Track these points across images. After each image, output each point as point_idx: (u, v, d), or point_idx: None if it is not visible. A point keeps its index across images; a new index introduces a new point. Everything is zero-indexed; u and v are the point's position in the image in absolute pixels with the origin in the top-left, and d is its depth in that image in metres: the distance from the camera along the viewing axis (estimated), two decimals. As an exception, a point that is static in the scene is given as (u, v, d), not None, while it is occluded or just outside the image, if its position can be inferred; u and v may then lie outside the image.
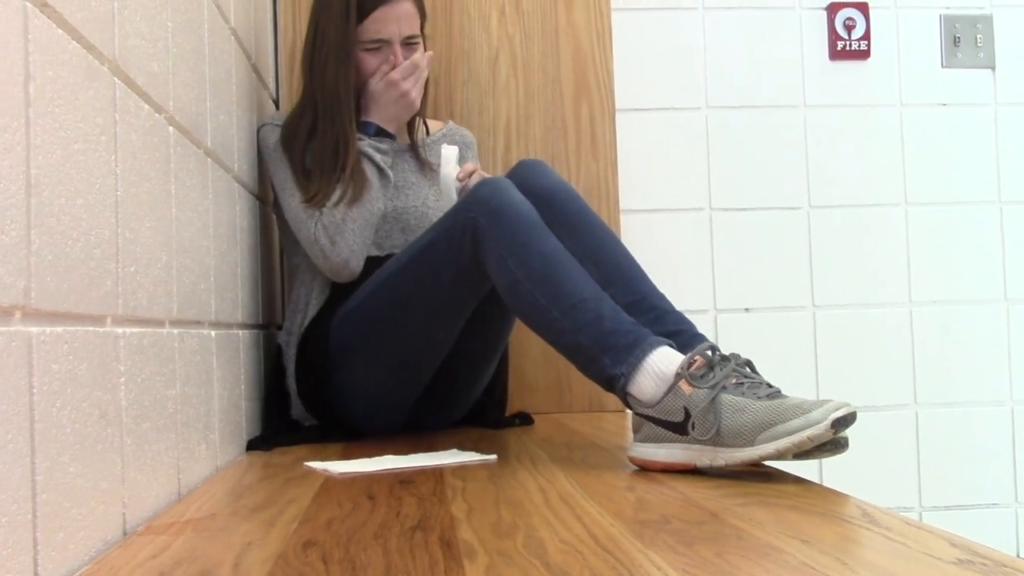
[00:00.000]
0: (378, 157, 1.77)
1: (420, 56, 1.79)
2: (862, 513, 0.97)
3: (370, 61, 1.81)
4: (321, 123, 1.78)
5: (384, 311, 1.67)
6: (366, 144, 1.77)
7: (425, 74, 1.82)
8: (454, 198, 1.73)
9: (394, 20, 1.78)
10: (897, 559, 0.79)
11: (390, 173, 1.79)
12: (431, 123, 2.01)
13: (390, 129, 1.81)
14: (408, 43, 1.81)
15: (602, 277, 1.46)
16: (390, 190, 1.82)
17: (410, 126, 1.95)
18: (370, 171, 1.76)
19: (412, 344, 1.68)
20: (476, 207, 1.50)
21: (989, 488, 2.32)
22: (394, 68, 1.78)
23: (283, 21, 2.14)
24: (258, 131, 1.84)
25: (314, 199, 1.73)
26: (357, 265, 1.75)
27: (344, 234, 1.72)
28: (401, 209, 1.86)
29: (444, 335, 1.67)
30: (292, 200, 1.77)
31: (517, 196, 1.49)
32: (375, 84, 1.80)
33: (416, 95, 1.80)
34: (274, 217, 1.94)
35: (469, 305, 1.63)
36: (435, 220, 1.68)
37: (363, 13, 1.77)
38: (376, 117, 1.80)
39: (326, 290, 1.79)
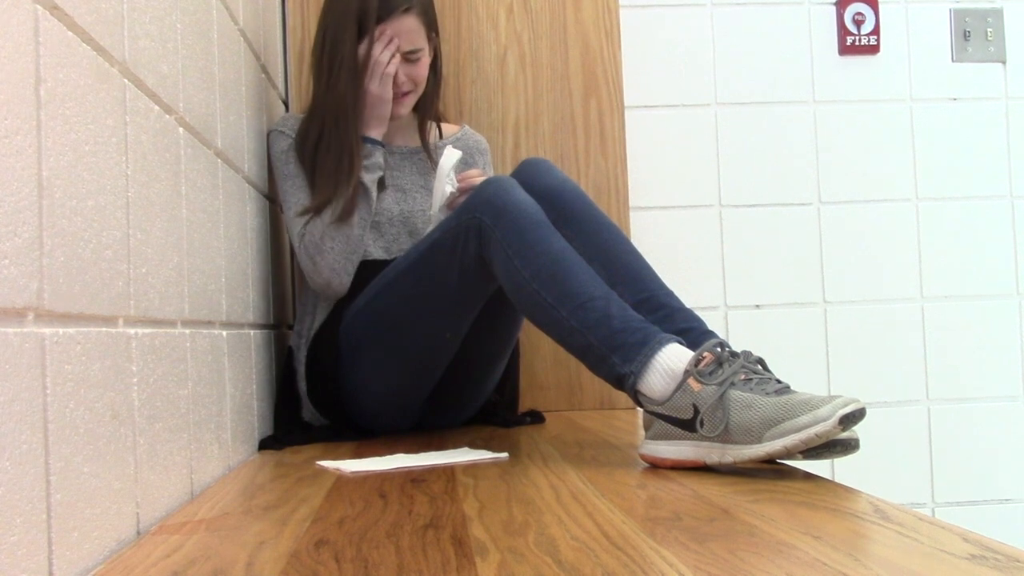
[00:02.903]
0: (366, 177, 1.75)
1: (377, 51, 1.76)
2: (874, 509, 0.97)
3: None
4: (326, 135, 1.77)
5: (391, 311, 1.67)
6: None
7: (389, 68, 1.76)
8: (437, 205, 1.73)
9: (396, 34, 1.77)
10: (909, 555, 0.79)
11: (373, 193, 1.77)
12: (446, 127, 2.01)
13: (373, 134, 1.79)
14: (408, 57, 1.81)
15: (610, 276, 1.46)
16: (376, 204, 1.80)
17: (422, 129, 1.95)
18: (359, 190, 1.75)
19: (420, 344, 1.68)
20: (481, 207, 1.50)
21: (1002, 484, 2.32)
22: None
23: (291, 21, 2.14)
24: (268, 135, 1.84)
25: (305, 213, 1.74)
26: (340, 285, 1.76)
27: (324, 254, 1.73)
28: (408, 212, 1.86)
29: (452, 334, 1.67)
30: (288, 212, 1.78)
31: (522, 195, 1.49)
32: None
33: (379, 90, 1.76)
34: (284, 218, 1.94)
35: (476, 304, 1.63)
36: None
37: (367, 26, 1.76)
38: (363, 128, 1.79)
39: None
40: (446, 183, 1.73)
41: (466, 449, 1.48)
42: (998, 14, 2.37)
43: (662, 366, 1.27)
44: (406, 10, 1.78)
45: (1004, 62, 2.37)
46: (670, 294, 1.50)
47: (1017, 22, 2.38)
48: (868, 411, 1.16)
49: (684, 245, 2.29)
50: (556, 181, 1.63)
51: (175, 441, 1.12)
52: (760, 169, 2.32)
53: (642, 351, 1.29)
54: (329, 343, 1.72)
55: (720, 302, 2.30)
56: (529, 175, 1.63)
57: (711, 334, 1.42)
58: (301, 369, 1.77)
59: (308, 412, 1.78)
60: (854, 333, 2.32)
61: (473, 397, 1.86)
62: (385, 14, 1.76)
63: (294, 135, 1.82)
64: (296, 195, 1.78)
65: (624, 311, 1.34)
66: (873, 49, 2.35)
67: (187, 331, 1.19)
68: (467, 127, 2.05)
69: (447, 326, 1.66)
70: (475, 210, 1.51)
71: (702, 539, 0.86)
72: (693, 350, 1.28)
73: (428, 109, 1.94)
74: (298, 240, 1.76)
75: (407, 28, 1.78)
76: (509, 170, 2.15)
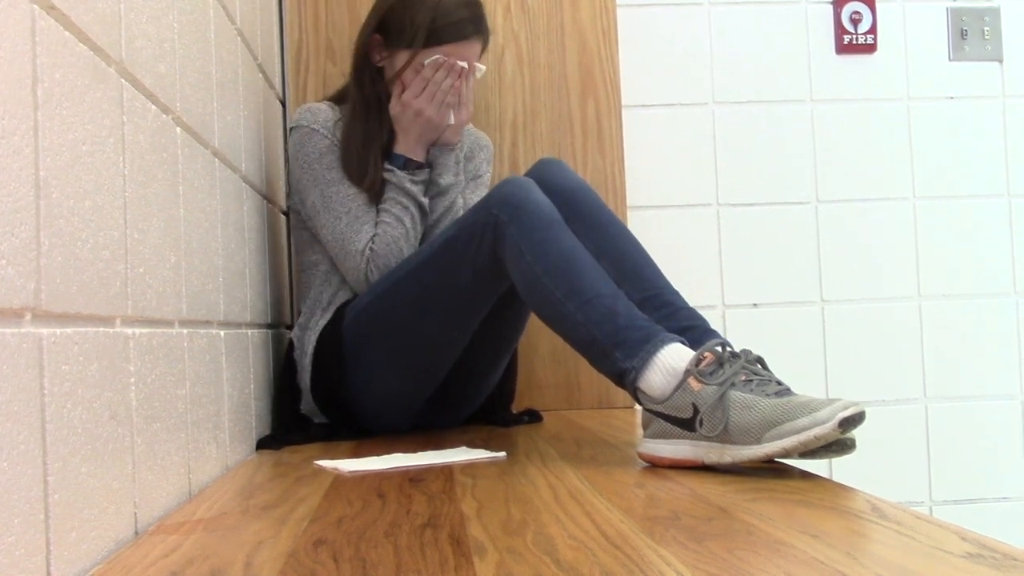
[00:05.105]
0: (416, 190, 1.75)
1: (430, 71, 1.74)
2: (871, 507, 0.97)
3: None
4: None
5: (399, 310, 1.67)
6: (403, 178, 1.75)
7: (446, 88, 1.75)
8: None
9: (461, 58, 1.76)
10: (907, 553, 0.79)
11: (426, 205, 1.78)
12: None
13: (416, 156, 1.78)
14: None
15: (617, 273, 1.48)
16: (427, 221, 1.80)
17: None
18: (412, 207, 1.75)
19: (427, 343, 1.68)
20: (497, 205, 1.52)
21: (1000, 482, 2.32)
22: (405, 90, 1.76)
23: (289, 21, 2.14)
24: (291, 131, 1.81)
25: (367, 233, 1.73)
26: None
27: (391, 265, 1.72)
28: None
29: (460, 334, 1.68)
30: (338, 222, 1.74)
31: (539, 195, 1.51)
32: (393, 109, 1.78)
33: (433, 112, 1.75)
34: (282, 217, 1.93)
35: (486, 304, 1.64)
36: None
37: (437, 39, 1.74)
38: (402, 147, 1.78)
39: (350, 291, 1.78)
40: None
41: (464, 448, 1.48)
42: (995, 13, 2.37)
43: (663, 364, 1.28)
44: (478, 36, 1.79)
45: (1001, 61, 2.38)
46: (675, 293, 1.51)
47: (1014, 21, 2.38)
48: (866, 410, 1.16)
49: (682, 244, 2.29)
50: (569, 181, 1.65)
51: (173, 441, 1.12)
52: (757, 168, 2.32)
53: (644, 348, 1.29)
54: (334, 338, 1.72)
55: (718, 301, 2.30)
56: (543, 174, 1.64)
57: (714, 333, 1.42)
58: (304, 361, 1.75)
59: (307, 405, 1.77)
60: (852, 332, 2.32)
61: (473, 397, 1.86)
62: (463, 36, 1.76)
63: (329, 134, 1.78)
64: (347, 204, 1.74)
65: (630, 309, 1.36)
66: (870, 48, 2.35)
67: (185, 331, 1.19)
68: (471, 125, 2.03)
69: (456, 326, 1.67)
70: (492, 208, 1.52)
71: (700, 538, 0.86)
72: (695, 349, 1.28)
73: None
74: (361, 255, 1.72)
75: (473, 53, 1.79)
76: (506, 169, 2.16)
